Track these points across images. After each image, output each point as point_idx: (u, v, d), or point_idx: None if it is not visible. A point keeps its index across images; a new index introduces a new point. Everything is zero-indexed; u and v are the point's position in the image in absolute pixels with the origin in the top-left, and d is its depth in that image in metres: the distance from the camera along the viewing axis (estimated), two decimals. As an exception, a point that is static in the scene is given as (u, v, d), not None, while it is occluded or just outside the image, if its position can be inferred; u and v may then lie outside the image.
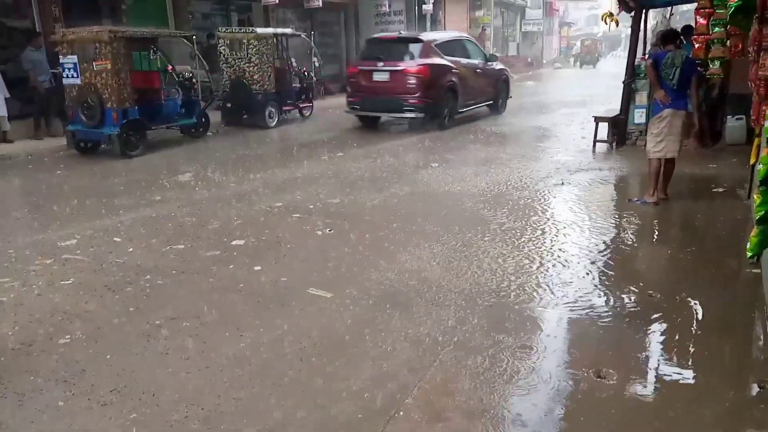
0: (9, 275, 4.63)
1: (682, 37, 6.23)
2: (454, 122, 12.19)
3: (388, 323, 3.72)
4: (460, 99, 12.22)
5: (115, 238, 5.51)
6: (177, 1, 14.00)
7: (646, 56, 9.31)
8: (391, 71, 11.43)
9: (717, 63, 6.11)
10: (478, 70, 13.07)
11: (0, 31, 10.87)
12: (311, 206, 6.54)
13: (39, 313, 3.97)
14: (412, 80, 11.27)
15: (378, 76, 11.56)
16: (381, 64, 11.53)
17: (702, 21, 6.18)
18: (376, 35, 13.98)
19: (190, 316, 3.89)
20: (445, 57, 11.94)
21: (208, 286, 4.40)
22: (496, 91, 13.94)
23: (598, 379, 3.09)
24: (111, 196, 7.06)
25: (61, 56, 9.46)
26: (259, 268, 4.72)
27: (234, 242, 5.34)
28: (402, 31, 16.09)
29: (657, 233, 5.76)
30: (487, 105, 13.81)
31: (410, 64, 11.39)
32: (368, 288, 4.26)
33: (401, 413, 2.82)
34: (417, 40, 11.95)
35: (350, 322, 3.75)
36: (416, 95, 11.27)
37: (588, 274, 4.49)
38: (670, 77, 5.97)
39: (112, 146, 9.43)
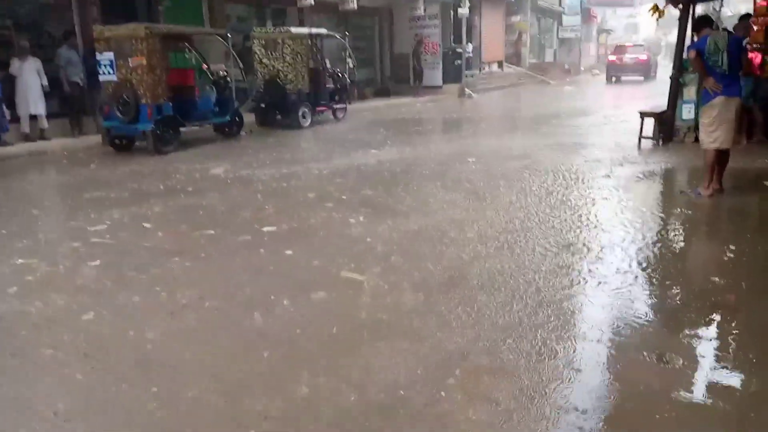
0: (36, 256, 4.53)
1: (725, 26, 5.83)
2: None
3: (427, 306, 3.46)
4: None
5: (144, 224, 5.39)
6: (213, 5, 14.07)
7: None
8: None
9: (779, 46, 5.71)
10: None
11: (39, 31, 11.04)
12: (344, 197, 6.33)
13: (64, 292, 3.84)
14: None
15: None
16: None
17: (761, 2, 5.79)
18: None
19: (217, 295, 3.70)
20: None
21: (238, 268, 4.22)
22: None
23: (661, 364, 2.78)
24: (142, 188, 6.99)
25: (97, 53, 9.52)
26: (290, 252, 4.52)
27: (265, 228, 5.16)
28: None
29: (717, 225, 5.39)
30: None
31: None
32: (403, 273, 4.01)
33: (443, 393, 2.55)
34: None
35: (385, 304, 3.50)
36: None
37: (650, 263, 4.16)
38: (719, 63, 5.54)
39: (146, 143, 9.43)
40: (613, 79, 26.24)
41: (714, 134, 5.76)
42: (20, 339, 3.21)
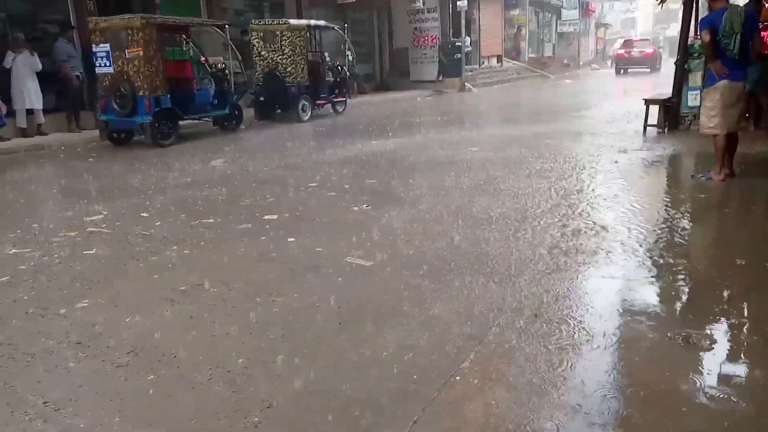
0: (30, 246, 4.38)
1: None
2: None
3: (434, 292, 3.31)
4: None
5: (142, 214, 5.24)
6: (210, -2, 13.91)
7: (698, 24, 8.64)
8: None
9: (790, 25, 5.55)
10: None
11: (35, 24, 10.87)
12: (347, 185, 6.20)
13: (58, 280, 3.69)
14: None
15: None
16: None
17: (772, -21, 5.64)
18: None
19: (218, 282, 3.55)
20: None
21: (239, 255, 4.07)
22: None
23: (686, 344, 2.63)
24: (141, 180, 6.83)
25: (93, 45, 9.36)
26: (293, 239, 4.37)
27: (266, 216, 5.00)
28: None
29: (732, 207, 5.26)
30: None
31: None
32: (410, 258, 3.86)
33: (457, 378, 2.41)
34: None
35: (392, 289, 3.36)
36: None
37: (669, 243, 4.02)
38: (731, 47, 5.30)
39: (144, 136, 9.28)
40: (622, 71, 28.43)
41: (714, 119, 5.57)
42: (11, 328, 3.06)
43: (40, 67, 9.92)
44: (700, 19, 6.99)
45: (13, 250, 4.31)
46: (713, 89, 5.58)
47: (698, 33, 6.55)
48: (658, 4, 9.34)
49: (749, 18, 5.35)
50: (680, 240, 4.15)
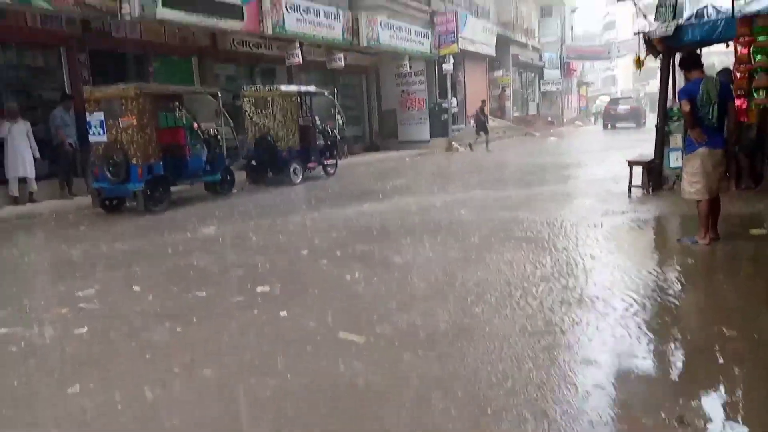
0: (21, 324, 4.35)
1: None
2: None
3: (426, 369, 3.32)
4: None
5: (134, 287, 5.23)
6: (203, 65, 14.30)
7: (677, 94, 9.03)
8: None
9: (763, 93, 5.78)
10: None
11: (29, 93, 11.08)
12: (339, 253, 6.23)
13: (49, 363, 3.66)
14: None
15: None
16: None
17: (743, 50, 5.92)
18: None
19: (210, 361, 3.53)
20: None
21: (231, 332, 4.06)
22: None
23: (680, 425, 2.64)
24: (132, 249, 6.85)
25: (87, 114, 9.53)
26: (284, 313, 4.37)
27: (259, 288, 5.01)
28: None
29: (719, 273, 5.33)
30: None
31: None
32: (402, 333, 3.88)
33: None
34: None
35: (385, 367, 3.36)
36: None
37: (658, 313, 4.06)
38: (709, 116, 5.52)
39: (136, 203, 9.34)
40: (609, 126, 31.25)
41: (696, 185, 5.72)
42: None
43: (35, 146, 10.09)
44: (678, 89, 7.28)
45: (3, 330, 4.27)
46: (693, 156, 5.76)
47: (677, 99, 6.80)
48: (636, 69, 9.71)
49: (724, 88, 5.59)
50: (669, 309, 4.19)
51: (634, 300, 4.29)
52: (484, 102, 21.16)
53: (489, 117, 22.03)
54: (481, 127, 20.49)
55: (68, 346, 3.92)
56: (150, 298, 4.91)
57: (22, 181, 10.18)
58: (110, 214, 9.54)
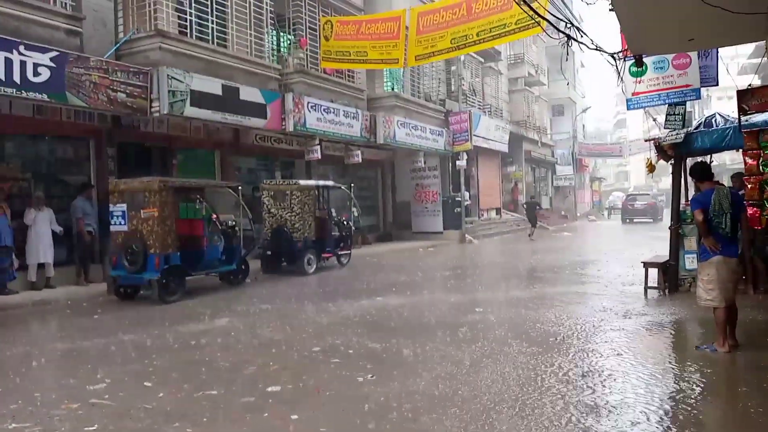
0: (31, 419, 4.31)
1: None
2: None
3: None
4: None
5: (145, 383, 5.20)
6: (224, 158, 14.81)
7: (689, 202, 9.19)
8: None
9: (775, 203, 5.90)
10: None
11: (56, 181, 11.49)
12: (351, 351, 6.18)
13: (56, 464, 3.60)
14: None
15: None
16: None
17: (751, 162, 6.08)
18: None
19: (219, 469, 3.46)
20: None
21: (241, 436, 3.99)
22: None
23: None
24: (145, 340, 6.85)
25: (111, 205, 9.82)
26: (296, 416, 4.31)
27: (270, 388, 4.96)
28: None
29: (739, 383, 5.20)
30: None
31: None
32: (418, 440, 3.79)
33: None
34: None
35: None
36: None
37: (680, 427, 3.95)
38: (722, 225, 5.61)
39: (151, 291, 9.41)
40: (627, 220, 33.03)
41: (712, 293, 5.73)
42: None
43: (58, 227, 10.38)
44: (690, 196, 7.44)
45: (13, 425, 4.23)
46: (708, 264, 5.79)
47: (690, 207, 6.93)
48: (648, 174, 9.91)
49: (735, 198, 5.71)
50: (688, 424, 4.07)
51: (651, 413, 4.19)
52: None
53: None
54: (532, 218, 22.40)
55: (76, 446, 3.86)
56: (161, 395, 4.86)
57: (41, 266, 10.37)
58: (124, 303, 9.59)
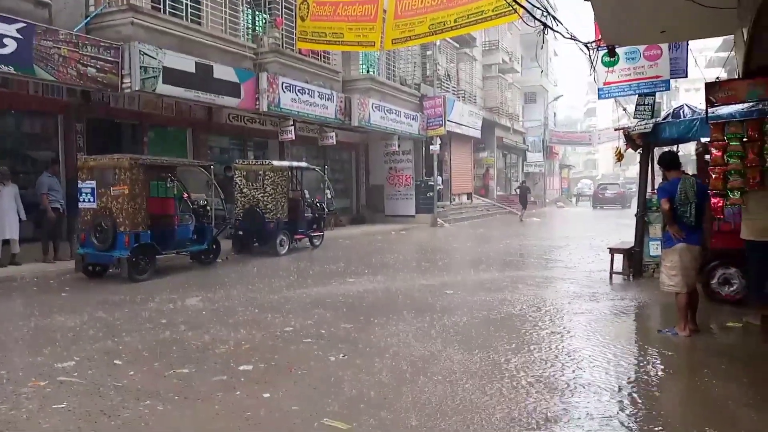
0: (-2, 397, 4.27)
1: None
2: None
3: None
4: None
5: (115, 361, 5.18)
6: (197, 136, 14.62)
7: (656, 190, 9.43)
8: None
9: (737, 193, 6.07)
10: None
11: (24, 158, 11.21)
12: (323, 331, 6.24)
13: (25, 440, 3.58)
14: None
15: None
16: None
17: (716, 153, 6.26)
18: None
19: (191, 446, 3.49)
20: None
21: (213, 414, 4.02)
22: None
23: None
24: (115, 319, 6.79)
25: (79, 181, 9.63)
26: (268, 395, 4.36)
27: (242, 367, 4.99)
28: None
29: (700, 364, 5.40)
30: None
31: None
32: (387, 419, 3.87)
33: None
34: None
35: (371, 456, 3.35)
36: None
37: (638, 409, 4.11)
38: (687, 215, 5.80)
39: (120, 270, 9.30)
40: (598, 207, 36.06)
41: (675, 278, 5.94)
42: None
43: (23, 211, 10.15)
44: (657, 186, 7.64)
45: (-21, 402, 4.19)
46: (671, 251, 5.98)
47: (657, 195, 7.13)
48: (616, 162, 10.12)
49: (700, 189, 5.89)
50: (649, 405, 4.24)
51: (612, 393, 4.34)
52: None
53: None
54: (524, 202, 24.62)
55: (45, 423, 3.84)
56: (131, 373, 4.85)
57: (6, 242, 10.13)
58: (93, 280, 9.47)
